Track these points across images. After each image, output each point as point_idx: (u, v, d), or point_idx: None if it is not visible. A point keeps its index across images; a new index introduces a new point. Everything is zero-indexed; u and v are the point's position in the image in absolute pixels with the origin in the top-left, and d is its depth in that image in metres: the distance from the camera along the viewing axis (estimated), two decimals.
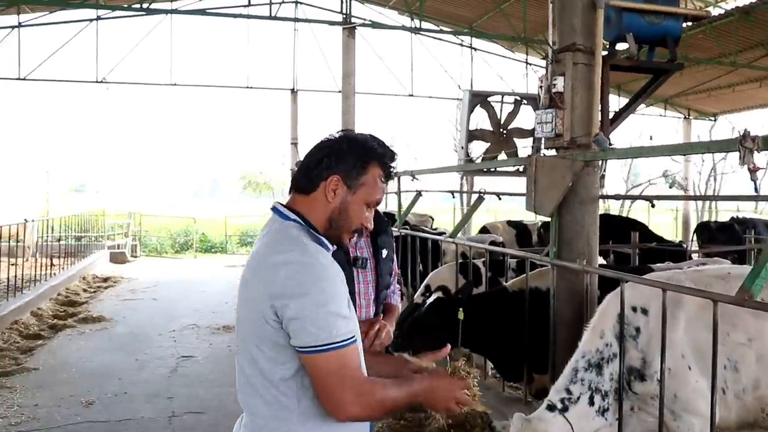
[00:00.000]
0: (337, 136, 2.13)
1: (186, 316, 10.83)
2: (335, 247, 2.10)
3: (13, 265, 11.88)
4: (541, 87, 5.04)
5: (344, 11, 14.99)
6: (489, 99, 11.20)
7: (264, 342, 1.92)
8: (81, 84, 18.16)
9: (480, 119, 11.61)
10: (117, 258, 19.38)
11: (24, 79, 17.18)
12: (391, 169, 2.15)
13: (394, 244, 3.08)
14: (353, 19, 14.62)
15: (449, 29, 17.90)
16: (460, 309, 4.88)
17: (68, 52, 17.26)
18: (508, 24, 16.60)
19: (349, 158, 2.06)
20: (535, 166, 5.07)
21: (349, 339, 1.89)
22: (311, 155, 2.10)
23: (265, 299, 1.88)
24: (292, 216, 2.03)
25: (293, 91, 20.15)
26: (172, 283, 14.92)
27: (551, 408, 3.67)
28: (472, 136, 11.66)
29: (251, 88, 19.52)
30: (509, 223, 11.51)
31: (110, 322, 10.33)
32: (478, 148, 11.12)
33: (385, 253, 2.95)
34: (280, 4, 17.13)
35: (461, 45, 19.55)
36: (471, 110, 11.74)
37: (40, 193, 28.08)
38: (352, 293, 2.65)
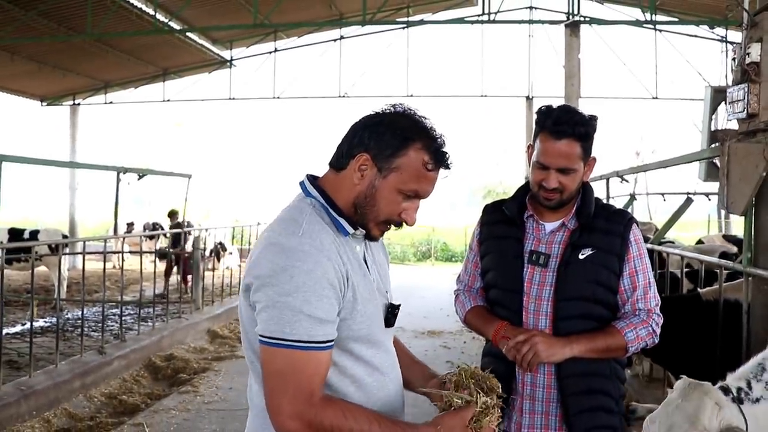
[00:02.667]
0: (383, 109, 1.79)
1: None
2: (361, 232, 1.79)
3: None
4: (734, 59, 4.20)
5: (570, 10, 14.24)
6: None
7: (249, 323, 1.72)
8: (326, 99, 19.47)
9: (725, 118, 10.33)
10: None
11: (278, 98, 18.97)
12: (445, 156, 1.75)
13: (633, 249, 2.35)
14: (578, 17, 13.79)
15: (692, 20, 16.10)
16: None
17: (314, 71, 18.70)
18: None
19: (386, 134, 1.72)
20: (727, 156, 4.23)
21: (309, 343, 1.60)
22: (351, 128, 1.80)
23: (245, 278, 1.69)
24: (314, 193, 1.78)
25: (528, 98, 19.62)
26: (397, 288, 15.12)
27: (725, 391, 2.94)
28: (715, 137, 10.35)
29: (485, 96, 19.43)
30: (726, 237, 10.02)
31: None
32: None
33: (585, 254, 2.30)
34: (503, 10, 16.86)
35: (721, 40, 17.52)
36: (713, 109, 10.45)
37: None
38: (518, 291, 2.35)
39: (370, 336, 1.76)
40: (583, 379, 2.30)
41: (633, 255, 2.35)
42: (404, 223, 1.78)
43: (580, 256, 2.31)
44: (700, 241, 10.00)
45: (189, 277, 11.48)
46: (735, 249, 8.66)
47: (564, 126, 2.25)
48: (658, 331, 2.36)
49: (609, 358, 2.35)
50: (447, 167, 1.77)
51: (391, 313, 1.85)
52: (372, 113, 1.79)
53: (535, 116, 2.38)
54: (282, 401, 1.60)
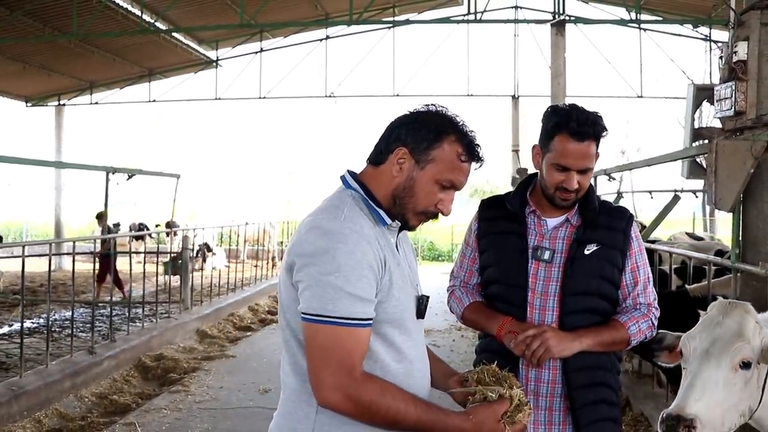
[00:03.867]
0: (418, 108, 1.92)
1: None
2: (399, 224, 1.89)
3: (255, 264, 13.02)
4: (721, 58, 4.27)
5: (556, 10, 14.34)
6: None
7: (290, 303, 1.78)
8: (312, 99, 19.46)
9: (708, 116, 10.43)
10: None
11: (264, 98, 18.94)
12: (476, 148, 1.87)
13: (634, 245, 2.42)
14: (563, 17, 13.88)
15: (677, 19, 16.25)
16: None
17: (300, 71, 18.67)
18: None
19: (421, 129, 1.84)
20: (715, 153, 4.30)
21: (349, 319, 1.68)
22: (388, 127, 1.91)
23: (288, 259, 1.78)
24: (354, 185, 1.88)
25: (514, 98, 19.72)
26: None
27: None
28: (698, 135, 10.45)
29: (472, 95, 19.49)
30: (689, 235, 10.19)
31: None
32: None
33: (590, 249, 2.34)
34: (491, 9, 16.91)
35: (705, 39, 17.68)
36: (696, 106, 10.55)
37: (281, 198, 30.67)
38: (522, 286, 2.37)
39: (402, 321, 1.83)
40: (588, 373, 2.34)
41: (634, 251, 2.42)
42: (440, 214, 1.89)
43: (586, 252, 2.35)
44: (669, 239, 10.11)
45: (108, 279, 10.93)
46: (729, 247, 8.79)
47: (586, 127, 2.28)
48: (656, 323, 2.41)
49: (610, 351, 2.39)
50: (479, 160, 1.89)
51: (422, 304, 1.92)
52: (407, 113, 1.92)
53: (548, 117, 2.37)
54: (324, 375, 1.67)
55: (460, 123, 1.87)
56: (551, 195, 2.37)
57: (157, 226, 19.13)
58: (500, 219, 2.50)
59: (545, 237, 2.41)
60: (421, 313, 1.92)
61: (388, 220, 1.86)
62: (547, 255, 2.37)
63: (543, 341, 2.20)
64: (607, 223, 2.40)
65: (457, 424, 1.73)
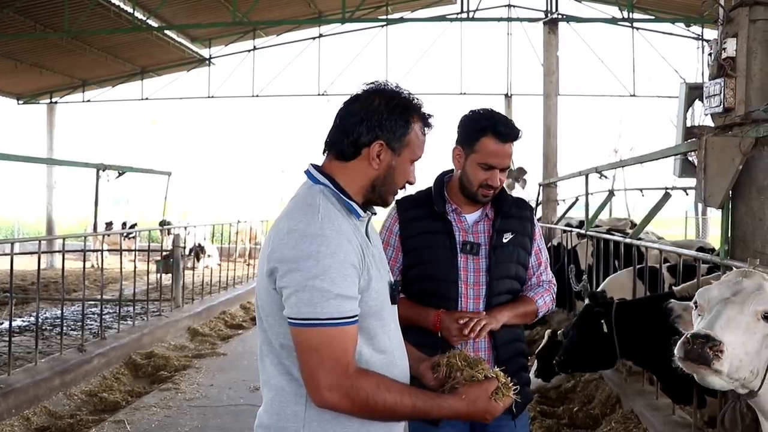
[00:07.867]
0: (367, 93, 1.92)
1: None
2: (370, 213, 1.96)
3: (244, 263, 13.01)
4: (710, 54, 4.27)
5: (548, 8, 14.36)
6: None
7: (272, 307, 1.79)
8: (305, 97, 19.41)
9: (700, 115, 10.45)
10: None
11: (257, 96, 18.89)
12: (431, 119, 1.97)
13: (537, 231, 2.77)
14: (556, 15, 13.92)
15: (669, 18, 16.27)
16: (602, 321, 4.25)
17: (293, 69, 18.65)
18: None
19: (390, 119, 1.87)
20: (705, 150, 4.31)
21: (339, 319, 1.72)
22: (345, 118, 1.90)
23: (268, 265, 1.78)
24: (323, 180, 1.89)
25: (507, 96, 19.71)
26: None
27: None
28: (690, 134, 10.47)
29: (465, 94, 19.47)
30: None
31: None
32: None
33: (507, 238, 2.62)
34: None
35: (697, 38, 17.71)
36: (688, 105, 10.59)
37: (274, 196, 30.64)
38: (455, 280, 2.57)
39: (382, 311, 1.87)
40: (510, 346, 2.66)
41: (537, 236, 2.76)
42: (408, 184, 2.00)
43: (504, 240, 2.63)
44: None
45: None
46: (711, 245, 8.78)
47: (511, 130, 2.53)
48: (555, 296, 2.79)
49: (520, 325, 2.74)
50: (432, 126, 1.99)
51: (394, 290, 1.97)
52: (358, 100, 1.90)
53: (474, 120, 2.58)
54: (319, 376, 1.70)
55: (414, 100, 1.92)
56: (474, 192, 2.59)
57: (133, 225, 19.20)
58: (424, 219, 2.67)
59: (468, 232, 2.63)
60: (393, 298, 1.96)
61: (361, 212, 1.88)
62: (474, 249, 2.59)
63: (479, 319, 2.44)
64: (517, 213, 2.70)
65: (451, 405, 1.81)
